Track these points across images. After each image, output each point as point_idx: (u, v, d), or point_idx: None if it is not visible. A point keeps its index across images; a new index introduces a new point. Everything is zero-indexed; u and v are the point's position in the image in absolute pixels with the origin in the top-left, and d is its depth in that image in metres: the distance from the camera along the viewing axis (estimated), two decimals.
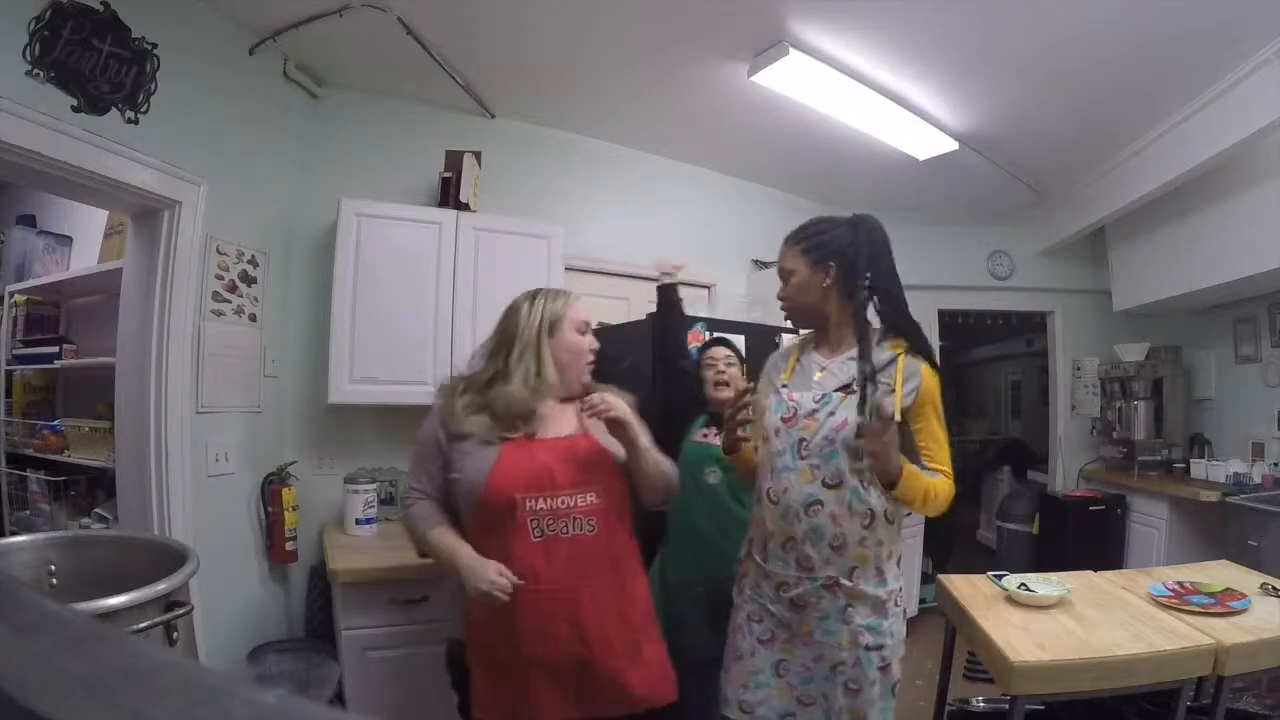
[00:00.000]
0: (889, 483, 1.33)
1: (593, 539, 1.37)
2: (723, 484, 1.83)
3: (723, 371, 1.95)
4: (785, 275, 1.49)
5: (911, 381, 1.38)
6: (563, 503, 1.36)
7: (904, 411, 1.37)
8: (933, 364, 1.42)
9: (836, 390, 1.40)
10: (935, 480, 1.37)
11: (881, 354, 1.40)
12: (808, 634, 1.38)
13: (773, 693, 1.41)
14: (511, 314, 1.52)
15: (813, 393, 1.43)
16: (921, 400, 1.39)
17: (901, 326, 1.44)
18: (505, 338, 1.48)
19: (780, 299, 1.52)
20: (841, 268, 1.42)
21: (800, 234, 1.50)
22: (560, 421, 1.48)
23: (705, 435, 1.91)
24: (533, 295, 1.53)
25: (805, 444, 1.38)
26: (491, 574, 1.30)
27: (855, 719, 1.34)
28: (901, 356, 1.39)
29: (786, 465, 1.40)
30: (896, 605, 1.39)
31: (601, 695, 1.34)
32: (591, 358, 1.52)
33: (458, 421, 1.41)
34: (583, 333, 1.51)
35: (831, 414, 1.38)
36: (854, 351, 1.42)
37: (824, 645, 1.37)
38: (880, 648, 1.34)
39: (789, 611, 1.39)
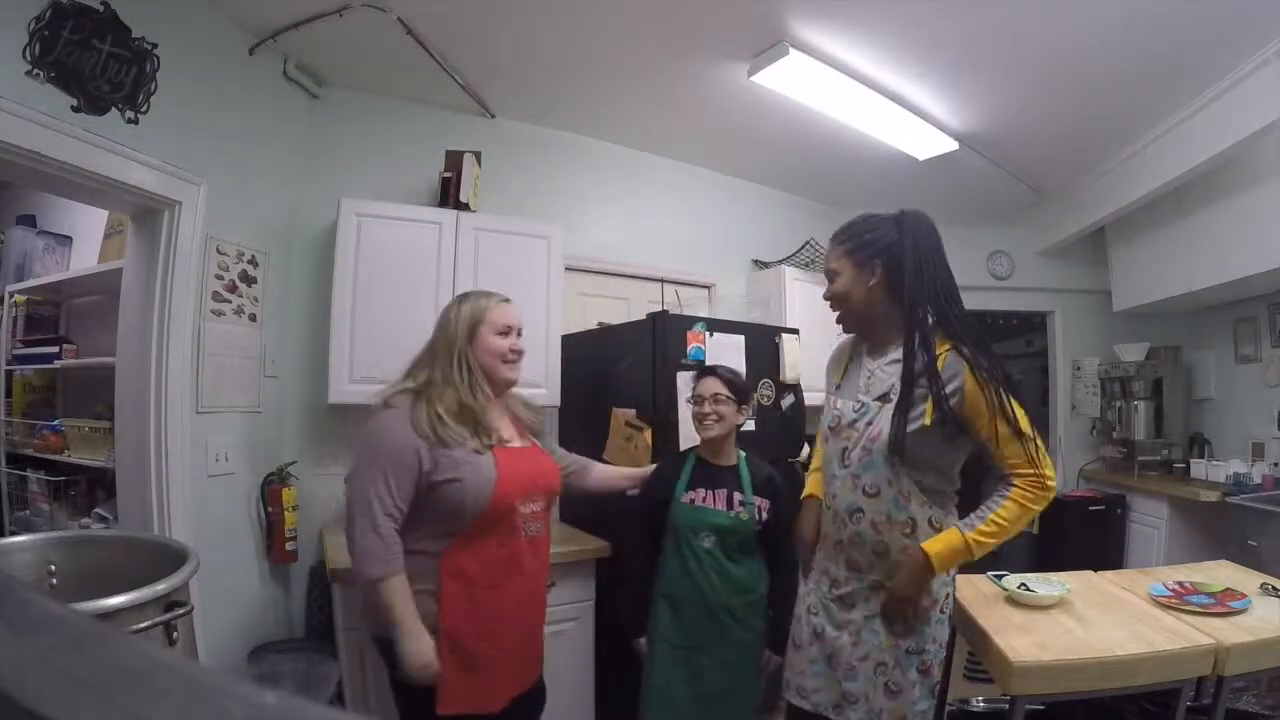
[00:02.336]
0: (932, 576, 1.32)
1: (544, 537, 1.60)
2: (717, 547, 1.73)
3: (709, 413, 1.76)
4: (831, 276, 1.48)
5: (953, 383, 1.30)
6: (538, 506, 1.57)
7: (951, 415, 1.30)
8: (978, 362, 1.31)
9: (875, 399, 1.40)
10: (999, 509, 1.30)
11: (922, 358, 1.33)
12: (855, 632, 1.41)
13: (824, 683, 1.45)
14: (442, 321, 1.59)
15: (854, 402, 1.45)
16: (969, 401, 1.30)
17: (949, 326, 1.35)
18: (438, 345, 1.55)
19: (827, 299, 1.50)
20: (888, 267, 1.38)
21: (845, 233, 1.46)
22: (504, 425, 1.60)
23: (693, 499, 1.76)
24: (460, 299, 1.61)
25: (847, 453, 1.42)
26: (430, 658, 1.36)
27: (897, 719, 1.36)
28: (943, 357, 1.32)
29: (834, 472, 1.46)
30: (941, 612, 1.39)
31: (531, 666, 1.59)
32: (513, 358, 1.59)
33: (442, 430, 1.42)
34: (504, 334, 1.57)
35: (869, 424, 1.39)
36: (898, 354, 1.38)
37: (869, 645, 1.39)
38: (921, 652, 1.36)
39: (840, 609, 1.44)
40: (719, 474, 1.80)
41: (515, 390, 1.70)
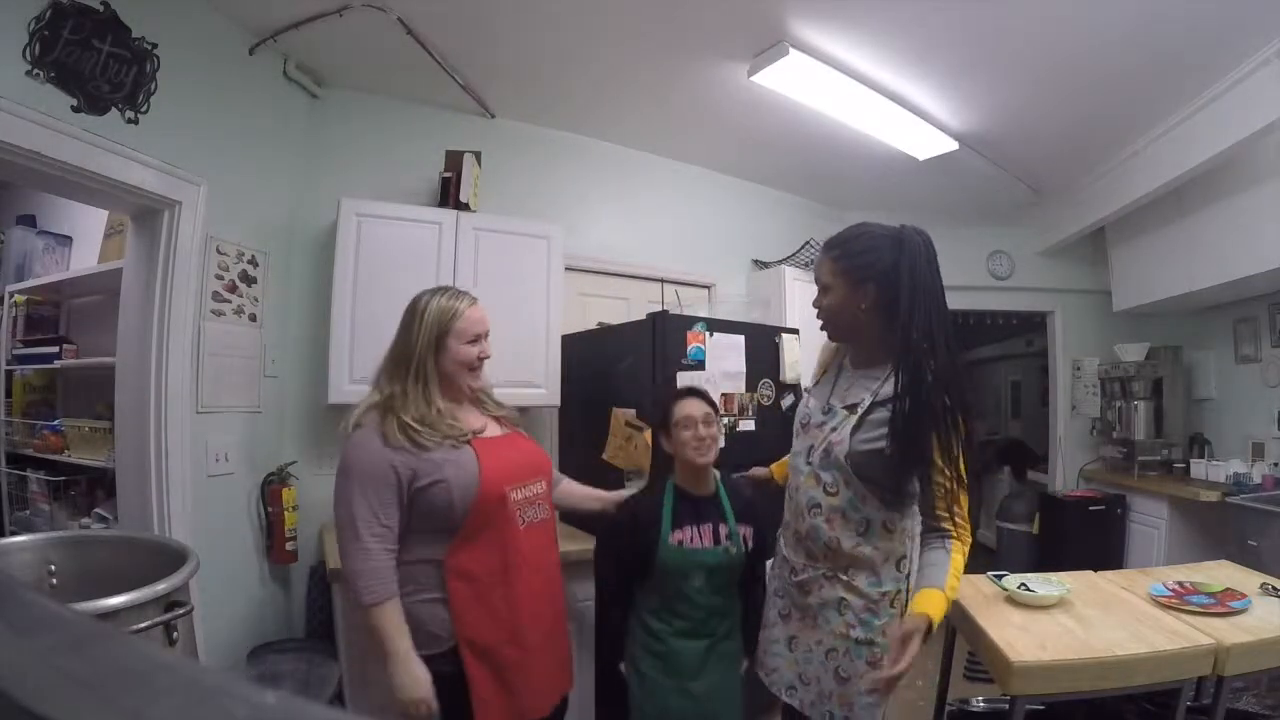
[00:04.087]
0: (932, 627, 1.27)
1: (549, 520, 1.56)
2: (706, 585, 1.67)
3: (703, 438, 1.66)
4: (822, 288, 1.45)
5: None
6: (532, 490, 1.51)
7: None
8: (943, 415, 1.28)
9: (845, 406, 1.41)
10: (954, 563, 1.27)
11: (888, 386, 1.33)
12: (813, 617, 1.44)
13: (783, 663, 1.48)
14: (405, 323, 1.49)
15: (823, 404, 1.47)
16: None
17: (930, 366, 1.29)
18: (400, 353, 1.46)
19: (815, 308, 1.48)
20: (881, 291, 1.35)
21: (841, 246, 1.42)
22: (474, 418, 1.54)
23: (680, 540, 1.66)
24: (427, 297, 1.50)
25: (813, 450, 1.44)
26: (426, 690, 1.29)
27: (844, 705, 1.37)
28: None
29: (799, 466, 1.48)
30: (892, 606, 1.37)
31: (564, 668, 1.54)
32: (478, 365, 1.52)
33: (416, 436, 1.37)
34: (473, 342, 1.48)
35: (834, 429, 1.41)
36: (880, 372, 1.37)
37: (823, 630, 1.41)
38: (870, 644, 1.36)
39: (799, 594, 1.47)
40: (702, 506, 1.71)
41: (487, 389, 1.61)
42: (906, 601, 1.40)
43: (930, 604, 1.24)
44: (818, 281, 1.47)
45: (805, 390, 1.60)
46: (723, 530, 1.70)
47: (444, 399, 1.47)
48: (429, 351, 1.45)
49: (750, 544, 1.72)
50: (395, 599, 1.32)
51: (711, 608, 1.68)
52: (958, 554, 1.29)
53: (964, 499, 1.32)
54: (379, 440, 1.36)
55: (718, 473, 1.79)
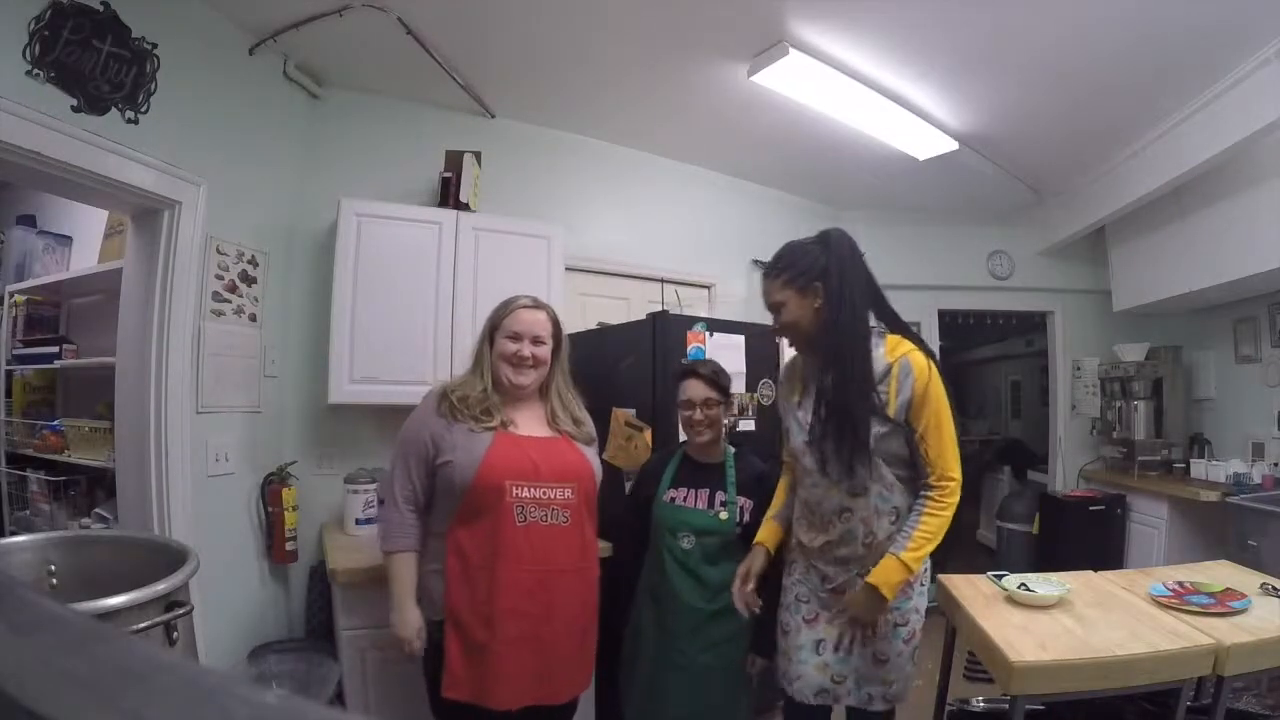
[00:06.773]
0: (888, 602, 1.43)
1: (565, 529, 1.54)
2: (696, 549, 1.73)
3: (699, 420, 1.75)
4: (776, 308, 1.55)
5: (908, 378, 1.42)
6: (544, 493, 1.52)
7: (904, 410, 1.42)
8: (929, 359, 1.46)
9: None
10: (920, 525, 1.40)
11: (879, 363, 1.44)
12: (845, 610, 1.51)
13: (809, 669, 1.53)
14: None
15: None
16: (916, 399, 1.42)
17: (893, 327, 1.51)
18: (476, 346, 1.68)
19: (778, 330, 1.58)
20: (827, 287, 1.47)
21: (780, 265, 1.54)
22: (532, 422, 1.62)
23: (673, 498, 1.77)
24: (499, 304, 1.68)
25: (827, 465, 1.49)
26: (413, 632, 1.49)
27: (884, 685, 1.49)
28: (896, 358, 1.43)
29: (817, 482, 1.53)
30: (921, 586, 1.52)
31: (555, 678, 1.52)
32: (517, 363, 1.59)
33: (453, 410, 1.54)
34: (515, 339, 1.59)
35: None
36: None
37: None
38: (905, 623, 1.48)
39: (832, 599, 1.54)
40: (704, 472, 1.79)
41: (567, 404, 1.68)
42: (933, 578, 1.56)
43: (879, 573, 1.40)
44: (770, 304, 1.56)
45: (790, 413, 1.60)
46: (719, 497, 1.76)
47: (497, 391, 1.60)
48: (484, 343, 1.64)
49: (747, 516, 1.76)
50: (408, 554, 1.53)
51: (701, 579, 1.72)
52: (929, 514, 1.40)
53: (937, 449, 1.41)
54: (432, 408, 1.56)
55: (733, 448, 1.85)
